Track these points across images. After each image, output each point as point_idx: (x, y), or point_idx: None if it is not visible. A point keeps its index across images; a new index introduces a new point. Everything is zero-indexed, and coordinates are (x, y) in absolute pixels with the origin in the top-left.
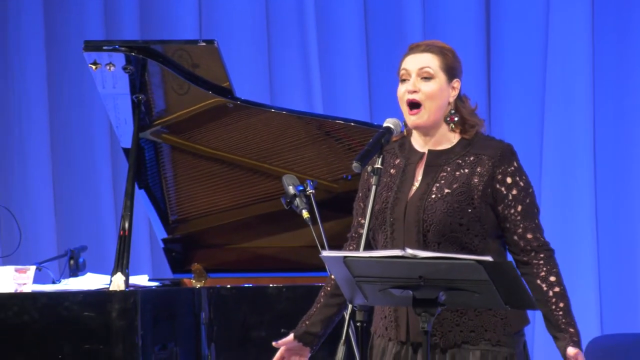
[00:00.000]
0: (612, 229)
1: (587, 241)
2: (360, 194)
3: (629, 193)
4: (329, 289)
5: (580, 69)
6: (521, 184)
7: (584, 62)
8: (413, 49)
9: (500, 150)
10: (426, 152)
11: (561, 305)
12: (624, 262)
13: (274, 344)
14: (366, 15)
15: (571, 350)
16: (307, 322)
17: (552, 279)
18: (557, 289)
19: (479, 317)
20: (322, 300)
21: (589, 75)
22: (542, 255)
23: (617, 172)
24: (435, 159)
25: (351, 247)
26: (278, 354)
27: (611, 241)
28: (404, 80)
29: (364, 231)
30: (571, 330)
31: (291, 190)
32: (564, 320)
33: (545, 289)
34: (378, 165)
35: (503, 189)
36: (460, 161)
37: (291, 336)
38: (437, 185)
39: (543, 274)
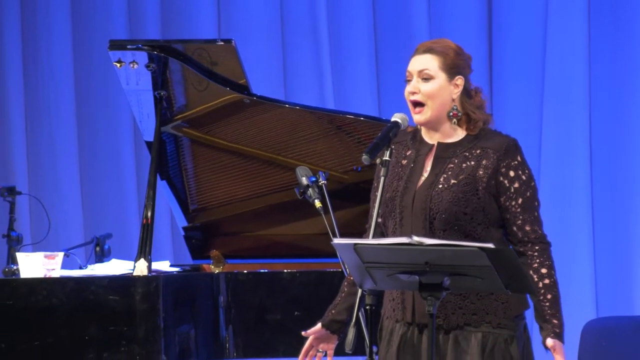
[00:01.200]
0: (607, 216)
1: (583, 228)
2: (375, 185)
3: (624, 181)
4: (351, 278)
5: (577, 65)
6: (523, 177)
7: (580, 58)
8: (417, 50)
9: (505, 144)
10: (435, 144)
11: (549, 296)
12: (619, 249)
13: (303, 333)
14: (375, 16)
15: (549, 342)
16: (333, 311)
17: (544, 271)
18: (546, 281)
19: (480, 301)
20: (345, 289)
21: (585, 72)
22: (537, 248)
23: (613, 161)
24: (444, 151)
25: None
26: (307, 343)
27: (606, 228)
28: (408, 81)
29: (373, 219)
30: (555, 321)
31: (304, 181)
32: (549, 312)
33: (535, 279)
34: (386, 158)
35: (506, 181)
36: (467, 154)
37: (319, 325)
38: (445, 176)
39: (535, 265)
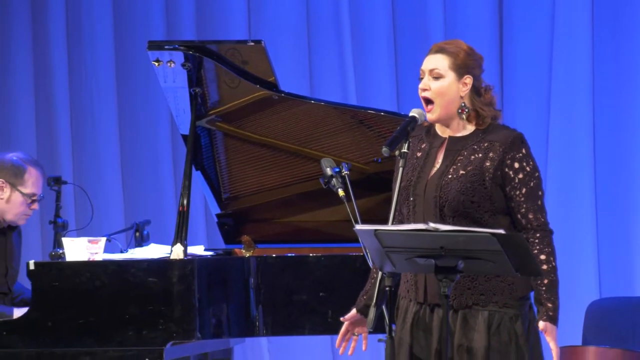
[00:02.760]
0: (610, 201)
1: (586, 212)
2: (395, 175)
3: (626, 170)
4: None
5: (581, 68)
6: (527, 169)
7: (584, 60)
8: (430, 50)
9: (511, 138)
10: (447, 138)
11: (545, 281)
12: (620, 234)
13: (341, 319)
14: (394, 18)
15: (541, 324)
16: (364, 297)
17: (543, 257)
18: (544, 267)
19: (488, 283)
20: (374, 275)
21: (588, 69)
22: (538, 235)
23: (614, 149)
24: (454, 144)
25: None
26: (344, 327)
27: (609, 215)
28: (421, 79)
29: (392, 206)
30: (549, 305)
31: (328, 171)
32: (544, 295)
33: None
34: (404, 150)
35: (511, 172)
36: (475, 147)
37: (354, 311)
38: (454, 167)
39: (535, 251)
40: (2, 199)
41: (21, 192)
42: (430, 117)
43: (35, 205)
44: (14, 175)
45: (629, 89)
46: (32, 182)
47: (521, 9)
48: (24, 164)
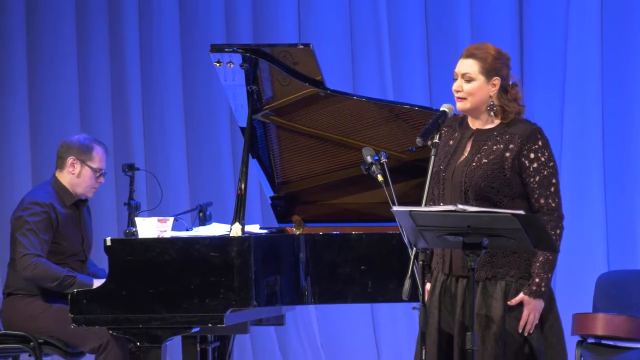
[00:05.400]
0: (617, 184)
1: (596, 195)
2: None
3: (631, 154)
4: None
5: (592, 65)
6: (542, 159)
7: (595, 60)
8: (462, 54)
9: (529, 130)
10: (475, 130)
11: (540, 259)
12: (627, 212)
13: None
14: (427, 24)
15: (521, 296)
16: None
17: None
18: None
19: (506, 258)
20: None
21: (598, 66)
22: (546, 218)
23: (622, 138)
24: (481, 136)
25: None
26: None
27: (617, 194)
28: (455, 79)
29: (425, 189)
30: (536, 280)
31: (369, 159)
32: (535, 271)
33: None
34: (436, 140)
35: (527, 162)
36: (498, 138)
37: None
38: (479, 155)
39: None
40: (73, 174)
41: (90, 167)
42: (460, 106)
43: (102, 179)
44: (83, 153)
45: (632, 79)
46: (98, 158)
47: (539, 16)
48: (91, 142)
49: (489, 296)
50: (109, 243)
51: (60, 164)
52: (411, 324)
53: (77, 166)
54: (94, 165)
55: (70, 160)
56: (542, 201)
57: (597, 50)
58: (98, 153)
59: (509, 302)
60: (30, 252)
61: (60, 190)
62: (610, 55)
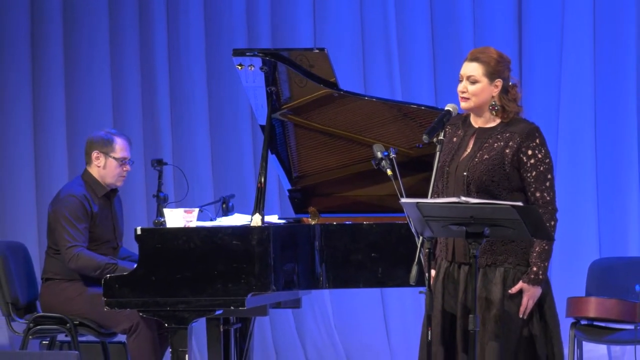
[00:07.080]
0: (608, 177)
1: (589, 187)
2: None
3: (621, 149)
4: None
5: (585, 67)
6: (539, 155)
7: (587, 62)
8: (467, 57)
9: (528, 129)
10: (477, 128)
11: (537, 249)
12: (617, 203)
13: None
14: (432, 29)
15: (519, 284)
16: None
17: None
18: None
19: (504, 246)
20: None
21: (590, 68)
22: (541, 210)
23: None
24: (482, 133)
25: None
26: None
27: (608, 187)
28: (460, 81)
29: (431, 183)
30: (534, 269)
31: (379, 155)
32: (532, 260)
33: None
34: (441, 137)
35: (524, 158)
36: (499, 136)
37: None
38: (481, 152)
39: None
40: (99, 166)
41: (113, 158)
42: (464, 105)
43: (127, 167)
44: (105, 146)
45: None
46: (120, 148)
47: (536, 22)
48: (111, 135)
49: (489, 281)
50: (139, 232)
51: (88, 159)
52: (418, 307)
53: (102, 159)
54: (117, 156)
55: (94, 154)
56: (537, 195)
57: (589, 54)
58: (119, 144)
59: (509, 291)
60: (72, 244)
61: (91, 182)
62: (602, 57)
